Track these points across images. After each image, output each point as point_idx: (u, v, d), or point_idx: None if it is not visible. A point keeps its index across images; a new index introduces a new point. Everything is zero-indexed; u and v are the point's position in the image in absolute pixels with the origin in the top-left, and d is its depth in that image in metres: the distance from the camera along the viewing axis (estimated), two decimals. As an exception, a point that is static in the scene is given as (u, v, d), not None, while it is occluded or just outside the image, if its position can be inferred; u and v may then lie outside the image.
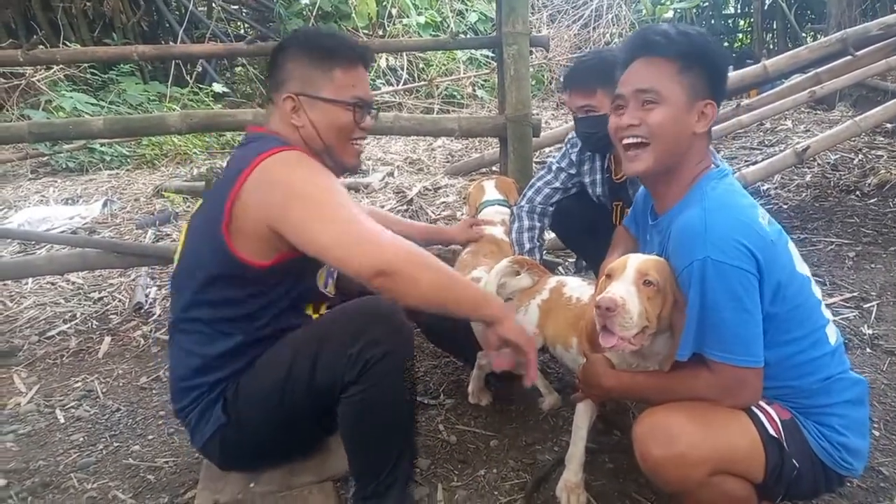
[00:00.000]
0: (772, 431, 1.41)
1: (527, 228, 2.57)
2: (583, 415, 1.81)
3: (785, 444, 1.40)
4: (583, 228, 2.63)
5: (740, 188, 1.53)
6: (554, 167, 2.65)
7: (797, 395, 1.46)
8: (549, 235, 2.87)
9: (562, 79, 2.67)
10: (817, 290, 1.53)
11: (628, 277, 1.45)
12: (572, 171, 2.61)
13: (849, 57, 4.18)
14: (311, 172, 1.57)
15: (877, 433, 2.03)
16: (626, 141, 1.54)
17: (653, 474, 1.43)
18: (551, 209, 2.65)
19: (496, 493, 1.89)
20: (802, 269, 1.51)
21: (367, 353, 1.51)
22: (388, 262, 1.47)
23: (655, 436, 1.40)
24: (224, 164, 5.85)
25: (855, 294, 3.02)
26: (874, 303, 2.91)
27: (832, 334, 1.51)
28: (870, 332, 2.66)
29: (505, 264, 2.12)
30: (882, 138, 5.37)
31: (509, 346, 1.64)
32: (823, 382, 1.46)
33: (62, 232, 4.43)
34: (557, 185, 2.63)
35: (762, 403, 1.45)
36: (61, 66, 6.72)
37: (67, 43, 7.04)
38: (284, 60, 1.69)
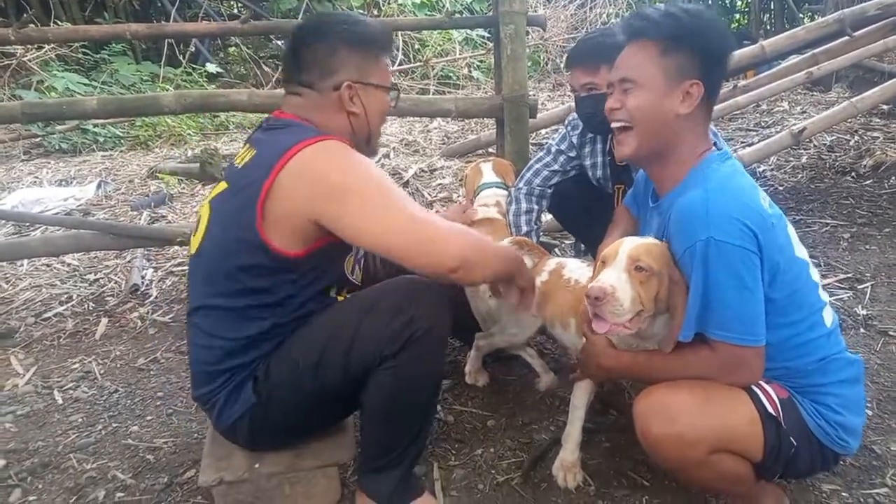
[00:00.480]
0: (770, 410, 1.42)
1: (524, 211, 2.57)
2: (580, 394, 1.82)
3: (783, 423, 1.42)
4: (581, 211, 2.62)
5: (742, 170, 1.53)
6: (553, 149, 2.63)
7: (794, 376, 1.48)
8: (547, 217, 2.87)
9: (565, 57, 2.65)
10: (815, 273, 1.54)
11: (620, 264, 1.46)
12: (572, 154, 2.60)
13: (846, 37, 4.17)
14: (359, 164, 1.54)
15: (870, 412, 2.06)
16: (613, 124, 1.57)
17: (653, 452, 1.45)
18: (549, 191, 2.64)
19: (493, 472, 1.90)
20: (801, 252, 1.51)
21: (412, 327, 1.52)
22: (461, 257, 1.51)
23: (656, 413, 1.41)
24: (218, 146, 5.81)
25: (849, 275, 3.04)
26: (868, 284, 2.93)
27: (828, 316, 1.52)
28: (864, 312, 2.68)
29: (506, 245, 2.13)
30: (878, 120, 5.37)
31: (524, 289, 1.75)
32: (819, 363, 1.47)
33: (56, 213, 4.41)
34: (556, 167, 2.62)
35: (761, 382, 1.46)
36: (53, 45, 6.64)
37: (58, 22, 6.96)
38: (334, 48, 1.63)
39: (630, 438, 1.98)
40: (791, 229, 1.52)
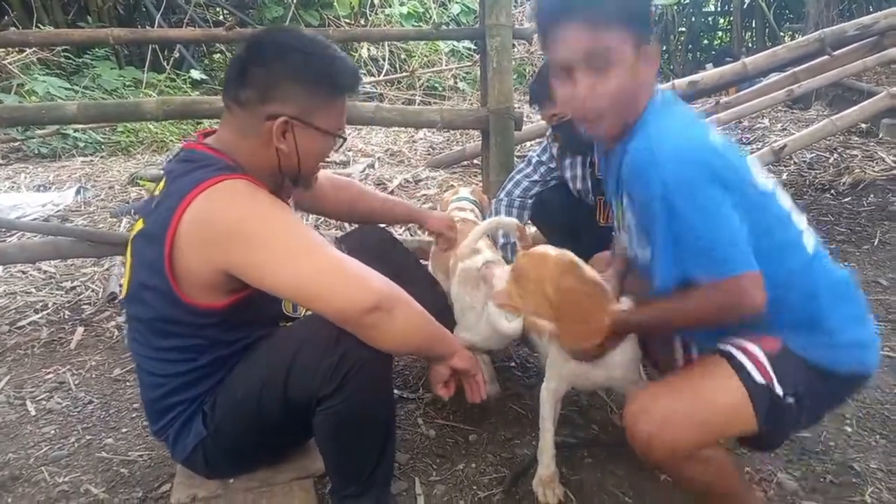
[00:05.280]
0: (759, 378, 1.37)
1: None
2: (546, 406, 1.81)
3: (777, 385, 1.36)
4: (564, 220, 2.63)
5: (688, 110, 1.47)
6: (534, 160, 2.66)
7: (782, 311, 1.41)
8: (531, 230, 2.87)
9: (528, 97, 2.67)
10: (786, 201, 1.48)
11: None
12: (552, 165, 2.62)
13: (826, 56, 4.24)
14: (256, 206, 1.42)
15: (849, 429, 2.07)
16: (585, 115, 1.44)
17: (643, 453, 1.42)
18: (530, 202, 2.65)
19: (475, 487, 1.88)
20: (765, 182, 1.45)
21: (345, 364, 1.43)
22: (382, 293, 1.39)
23: (645, 414, 1.39)
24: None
25: (829, 291, 3.06)
26: (847, 300, 2.95)
27: (809, 242, 1.46)
28: (843, 329, 2.69)
29: (503, 220, 2.16)
30: (857, 138, 5.46)
31: (459, 374, 1.65)
32: (805, 289, 1.42)
33: (34, 219, 4.33)
34: (536, 177, 2.64)
35: (748, 345, 1.41)
36: (34, 49, 6.55)
37: (41, 26, 6.87)
38: (282, 76, 1.48)
39: (613, 453, 1.98)
40: (752, 160, 1.46)
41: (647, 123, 1.40)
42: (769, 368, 1.38)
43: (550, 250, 1.62)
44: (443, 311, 2.22)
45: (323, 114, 1.54)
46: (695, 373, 1.45)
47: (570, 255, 1.62)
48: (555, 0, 1.39)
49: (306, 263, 1.39)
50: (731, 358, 1.41)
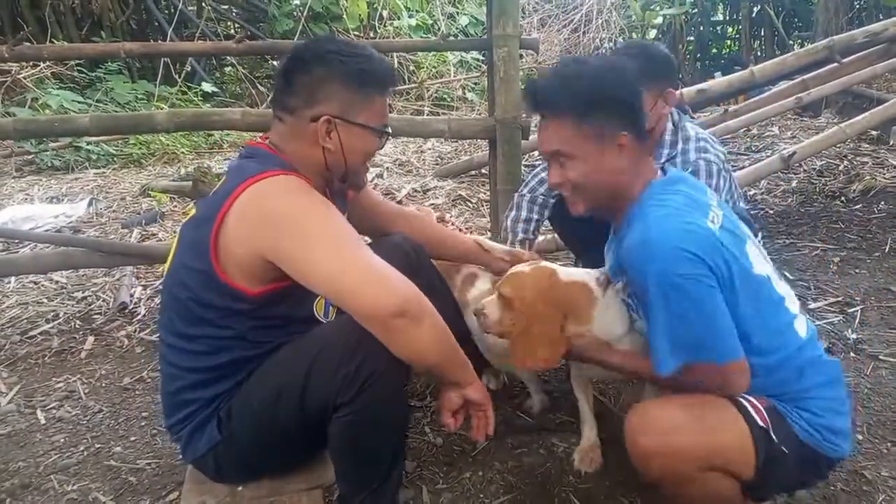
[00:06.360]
0: (760, 421, 1.41)
1: (523, 219, 2.53)
2: (577, 387, 1.96)
3: (773, 433, 1.40)
4: (585, 231, 2.61)
5: (687, 189, 1.51)
6: None
7: (771, 389, 1.46)
8: (541, 238, 2.86)
9: None
10: (781, 286, 1.52)
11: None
12: None
13: (835, 64, 4.23)
14: (306, 201, 1.47)
15: (860, 437, 2.05)
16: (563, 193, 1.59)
17: (642, 465, 1.43)
18: (552, 201, 2.62)
19: (482, 495, 1.88)
20: (762, 269, 1.49)
21: (363, 372, 1.43)
22: (411, 299, 1.41)
23: (646, 427, 1.40)
24: (211, 165, 5.80)
25: (839, 299, 3.04)
26: (858, 307, 2.93)
27: (801, 327, 1.50)
28: (854, 336, 2.68)
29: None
30: (867, 145, 5.43)
31: (470, 406, 1.63)
32: (796, 372, 1.46)
33: (46, 231, 4.38)
34: None
35: (744, 395, 1.45)
36: (48, 63, 6.66)
37: (55, 40, 6.98)
38: (324, 78, 1.56)
39: (622, 462, 1.96)
40: (751, 246, 1.50)
41: (645, 212, 1.46)
42: (766, 416, 1.42)
43: (525, 268, 1.70)
44: (463, 333, 2.15)
45: (363, 110, 1.60)
46: (700, 400, 1.46)
47: (546, 267, 1.70)
48: (526, 99, 1.58)
49: (342, 260, 1.42)
50: (734, 399, 1.44)
